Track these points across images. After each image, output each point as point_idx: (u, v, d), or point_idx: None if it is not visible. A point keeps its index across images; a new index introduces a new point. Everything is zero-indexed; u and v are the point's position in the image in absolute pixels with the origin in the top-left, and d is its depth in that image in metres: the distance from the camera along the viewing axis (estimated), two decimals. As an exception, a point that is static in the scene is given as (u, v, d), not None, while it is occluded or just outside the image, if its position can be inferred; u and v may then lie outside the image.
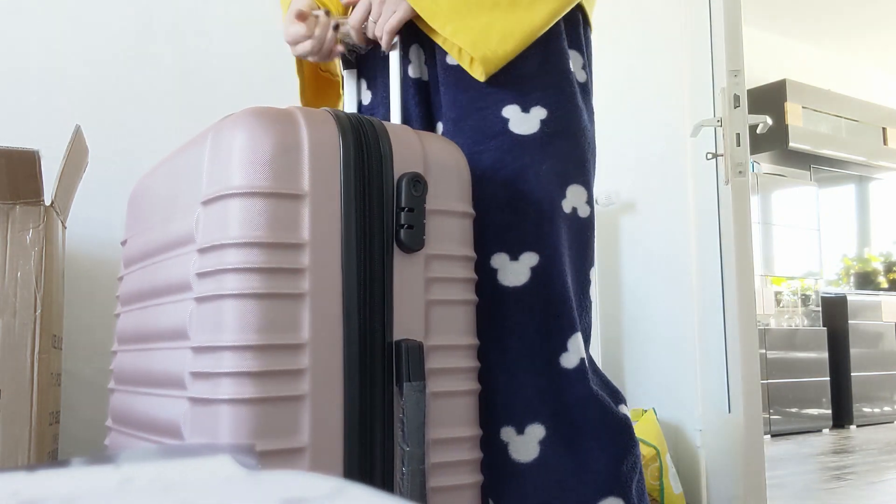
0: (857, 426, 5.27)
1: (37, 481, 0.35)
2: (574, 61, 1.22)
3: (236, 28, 2.40)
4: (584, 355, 1.14)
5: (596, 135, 1.26)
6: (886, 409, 5.46)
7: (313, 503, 0.32)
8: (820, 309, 5.37)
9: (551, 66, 1.17)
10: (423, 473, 0.90)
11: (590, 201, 1.19)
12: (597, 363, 1.20)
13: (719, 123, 2.34)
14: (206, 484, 0.35)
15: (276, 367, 0.86)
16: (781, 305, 5.27)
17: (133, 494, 0.33)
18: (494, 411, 1.09)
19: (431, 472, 0.93)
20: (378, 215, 0.93)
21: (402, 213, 0.94)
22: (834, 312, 5.36)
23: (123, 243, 1.22)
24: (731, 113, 2.30)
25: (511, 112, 1.14)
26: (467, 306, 1.01)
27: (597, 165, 1.26)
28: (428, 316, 0.96)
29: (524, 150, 1.13)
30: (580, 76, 1.23)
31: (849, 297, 5.37)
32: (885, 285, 6.07)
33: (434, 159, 0.99)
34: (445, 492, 0.95)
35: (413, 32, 1.21)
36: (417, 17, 1.17)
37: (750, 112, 2.35)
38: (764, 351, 4.80)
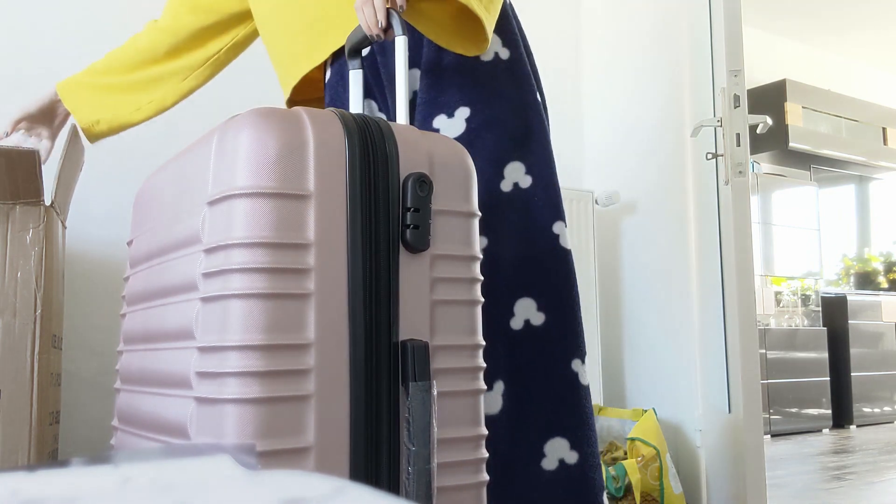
0: (857, 426, 5.27)
1: (37, 481, 0.35)
2: (493, 45, 1.34)
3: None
4: (530, 315, 1.29)
5: (545, 98, 1.40)
6: (886, 409, 5.46)
7: (313, 503, 0.32)
8: (820, 309, 5.37)
9: (465, 63, 1.31)
10: (429, 473, 0.90)
11: (531, 170, 1.32)
12: (564, 313, 1.32)
13: (719, 123, 2.34)
14: (205, 484, 0.35)
15: (282, 366, 0.86)
16: (781, 305, 5.27)
17: (133, 494, 0.33)
18: None
19: (437, 472, 0.93)
20: (384, 215, 0.93)
21: (408, 213, 0.94)
22: (834, 312, 5.36)
23: (129, 243, 1.22)
24: (731, 113, 2.30)
25: (440, 122, 1.30)
26: (473, 306, 1.01)
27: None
28: (433, 316, 0.96)
29: None
30: (503, 55, 1.35)
31: (849, 297, 5.37)
32: (885, 285, 6.07)
33: (439, 160, 0.99)
34: (450, 491, 0.95)
35: (364, 90, 1.32)
36: (412, 7, 1.23)
37: (750, 112, 2.35)
38: (764, 351, 4.80)
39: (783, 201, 5.43)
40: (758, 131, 2.45)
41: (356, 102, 1.28)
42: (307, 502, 0.32)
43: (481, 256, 1.04)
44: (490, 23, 1.24)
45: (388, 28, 1.17)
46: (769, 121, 2.41)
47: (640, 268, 2.82)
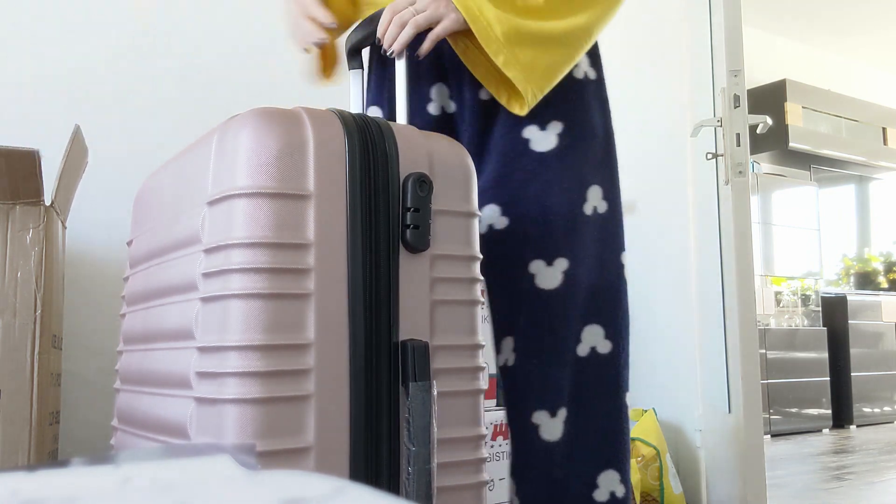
0: (857, 426, 5.27)
1: (37, 481, 0.35)
2: (582, 64, 1.32)
3: (238, 27, 2.40)
4: (597, 343, 1.27)
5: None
6: (886, 409, 5.46)
7: (313, 503, 0.32)
8: (820, 309, 5.37)
9: (562, 80, 1.26)
10: (428, 473, 0.90)
11: (607, 195, 1.30)
12: (624, 344, 1.32)
13: (719, 123, 2.34)
14: (205, 484, 0.35)
15: (282, 366, 0.86)
16: (781, 305, 5.27)
17: (133, 494, 0.33)
18: (527, 398, 1.23)
19: (437, 472, 0.93)
20: (384, 215, 0.93)
21: (408, 213, 0.94)
22: (834, 312, 5.36)
23: (129, 243, 1.22)
24: (731, 113, 2.30)
25: (530, 132, 1.25)
26: (472, 306, 1.01)
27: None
28: (433, 316, 0.96)
29: (546, 166, 1.25)
30: (591, 74, 1.34)
31: (849, 297, 5.38)
32: (885, 285, 6.07)
33: (439, 160, 0.99)
34: (450, 491, 0.95)
35: (437, 71, 1.28)
36: (458, 39, 1.21)
37: (750, 112, 2.35)
38: (764, 351, 4.80)
39: (783, 201, 5.43)
40: (758, 131, 2.45)
41: (356, 102, 1.27)
42: (307, 502, 0.32)
43: (481, 256, 1.04)
44: (533, 98, 1.20)
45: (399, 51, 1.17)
46: (769, 121, 2.41)
47: (640, 268, 2.82)
